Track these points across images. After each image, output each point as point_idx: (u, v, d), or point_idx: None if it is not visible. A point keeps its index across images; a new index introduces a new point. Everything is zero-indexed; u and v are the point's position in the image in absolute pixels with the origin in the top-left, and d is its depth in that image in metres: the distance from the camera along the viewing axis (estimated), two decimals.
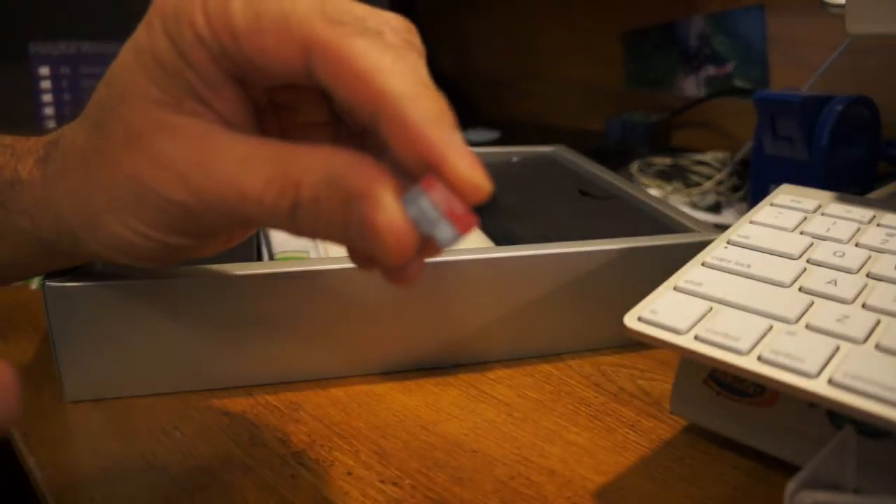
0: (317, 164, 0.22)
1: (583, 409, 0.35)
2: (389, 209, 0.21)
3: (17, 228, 0.29)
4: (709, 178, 0.67)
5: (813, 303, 0.29)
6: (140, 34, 0.25)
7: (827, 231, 0.33)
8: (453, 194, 0.21)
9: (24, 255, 0.30)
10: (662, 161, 0.71)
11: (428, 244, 0.22)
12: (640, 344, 0.29)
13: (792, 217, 0.35)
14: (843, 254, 0.31)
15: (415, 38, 0.25)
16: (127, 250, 0.27)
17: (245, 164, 0.23)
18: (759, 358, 0.26)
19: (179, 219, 0.25)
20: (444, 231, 0.21)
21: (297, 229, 0.24)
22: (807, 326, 0.27)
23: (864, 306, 0.28)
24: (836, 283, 0.30)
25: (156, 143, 0.24)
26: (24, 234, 0.29)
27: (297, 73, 0.23)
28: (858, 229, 0.33)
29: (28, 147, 0.29)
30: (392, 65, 0.22)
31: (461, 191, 0.21)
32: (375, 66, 0.22)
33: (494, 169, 0.54)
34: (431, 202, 0.21)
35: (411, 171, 0.22)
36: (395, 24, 0.24)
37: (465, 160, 0.21)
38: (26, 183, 0.28)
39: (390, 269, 0.24)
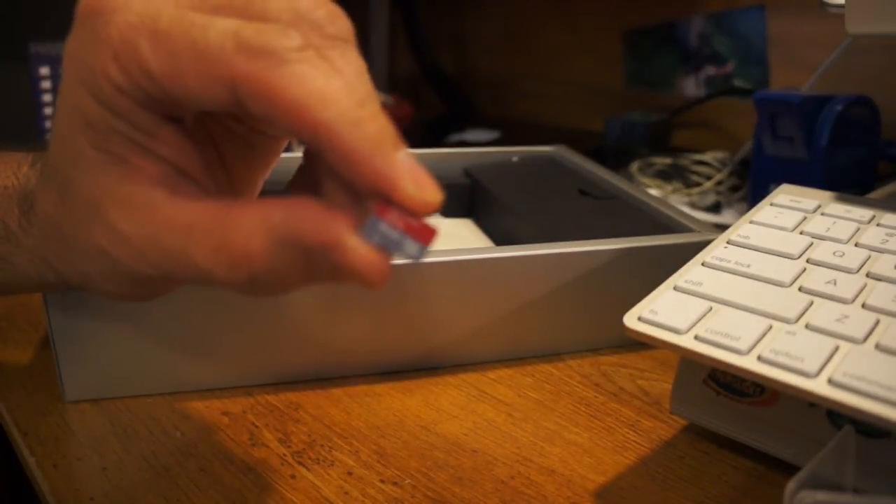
0: (262, 226, 0.21)
1: (583, 409, 0.35)
2: (358, 249, 0.21)
3: (25, 277, 0.29)
4: (709, 178, 0.67)
5: (812, 303, 0.29)
6: (65, 95, 0.24)
7: (827, 231, 0.33)
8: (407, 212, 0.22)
9: (36, 289, 0.30)
10: (662, 161, 0.71)
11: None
12: (640, 344, 0.29)
13: (792, 217, 0.35)
14: (843, 254, 0.31)
15: (341, 26, 0.23)
16: (124, 298, 0.27)
17: (189, 234, 0.22)
18: (759, 358, 0.26)
19: (157, 281, 0.25)
20: (410, 247, 0.22)
21: (261, 293, 0.23)
22: (806, 326, 0.28)
23: (863, 306, 0.28)
24: (835, 283, 0.30)
25: (110, 218, 0.23)
26: (31, 279, 0.29)
27: (229, 104, 0.22)
28: (858, 229, 0.33)
29: (7, 196, 0.28)
30: (324, 88, 0.21)
31: (414, 210, 0.21)
32: (307, 98, 0.21)
33: (494, 169, 0.54)
34: (390, 225, 0.22)
35: (360, 193, 0.22)
36: (316, 19, 0.22)
37: (412, 180, 0.21)
38: (19, 234, 0.28)
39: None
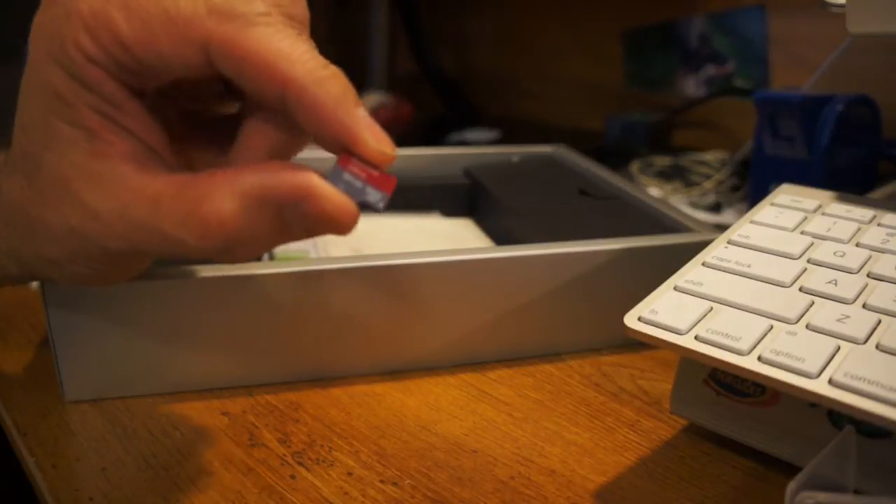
0: (233, 190, 0.23)
1: (583, 409, 0.35)
2: (332, 196, 0.23)
3: None
4: (709, 177, 0.67)
5: (813, 303, 0.29)
6: (31, 74, 0.24)
7: (827, 231, 0.33)
8: (368, 163, 0.24)
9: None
10: (662, 161, 0.71)
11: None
12: (640, 344, 0.29)
13: (792, 217, 0.35)
14: (844, 254, 0.31)
15: (300, 9, 0.25)
16: (92, 280, 0.27)
17: (156, 205, 0.23)
18: (760, 358, 0.26)
19: (127, 256, 0.25)
20: (372, 195, 0.24)
21: (233, 259, 0.24)
22: (807, 326, 0.27)
23: (864, 306, 0.28)
24: (836, 283, 0.30)
25: (80, 194, 0.24)
26: None
27: (199, 67, 0.23)
28: (859, 229, 0.33)
29: None
30: (291, 50, 0.23)
31: (374, 161, 0.24)
32: (276, 56, 0.23)
33: (494, 169, 0.54)
34: (353, 175, 0.24)
35: (324, 146, 0.24)
36: None
37: (373, 134, 0.24)
38: None
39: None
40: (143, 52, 0.23)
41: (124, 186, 0.24)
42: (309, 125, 0.24)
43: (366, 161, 0.24)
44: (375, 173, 0.24)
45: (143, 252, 0.25)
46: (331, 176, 0.24)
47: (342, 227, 0.23)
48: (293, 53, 0.23)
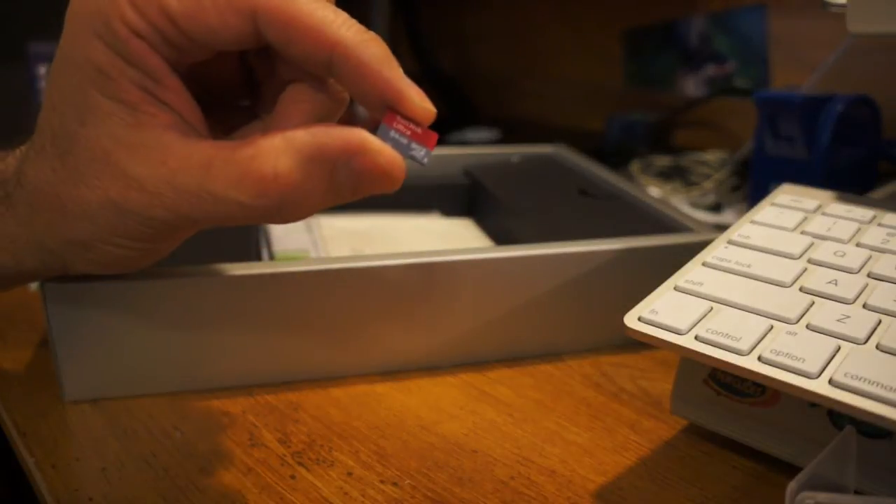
0: (288, 148, 0.23)
1: (583, 409, 0.35)
2: (383, 150, 0.24)
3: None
4: (709, 177, 0.67)
5: (813, 303, 0.29)
6: (69, 51, 0.25)
7: (827, 231, 0.33)
8: (411, 121, 0.25)
9: (8, 282, 0.30)
10: (662, 161, 0.71)
11: None
12: (640, 344, 0.29)
13: (792, 217, 0.35)
14: (844, 254, 0.31)
15: None
16: (118, 263, 0.27)
17: (207, 169, 0.24)
18: (760, 358, 0.26)
19: (166, 227, 0.26)
20: (417, 151, 0.25)
21: (286, 217, 0.25)
22: (807, 326, 0.27)
23: (864, 306, 0.28)
24: (836, 283, 0.29)
25: (122, 165, 0.24)
26: (4, 270, 0.29)
27: (246, 37, 0.24)
28: (859, 229, 0.33)
29: None
30: (335, 16, 0.24)
31: (418, 117, 0.25)
32: (323, 20, 0.24)
33: (494, 169, 0.54)
34: (399, 132, 0.25)
35: (368, 106, 0.25)
36: None
37: (416, 92, 0.25)
38: None
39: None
40: (190, 24, 0.24)
41: (171, 154, 0.24)
42: (355, 86, 0.25)
43: (409, 118, 0.25)
44: (419, 130, 0.25)
45: (188, 220, 0.25)
46: (378, 134, 0.25)
47: (393, 180, 0.24)
48: (337, 19, 0.24)
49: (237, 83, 0.29)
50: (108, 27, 0.23)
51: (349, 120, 0.25)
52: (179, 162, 0.24)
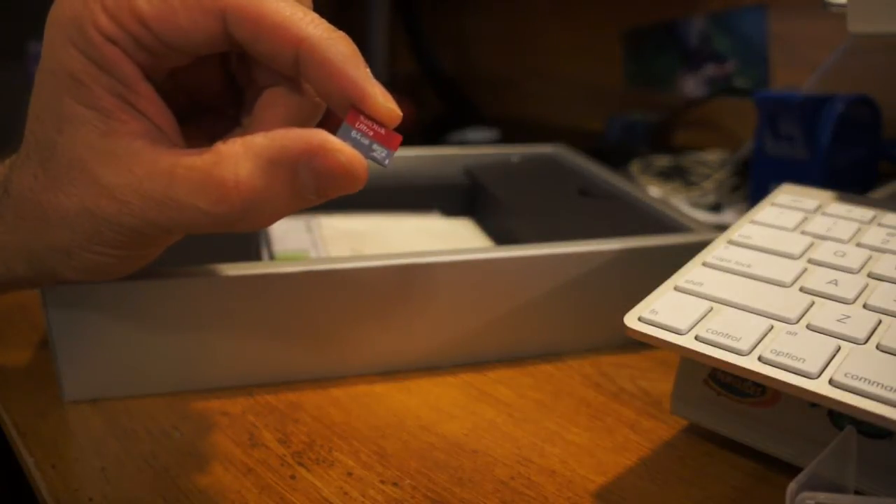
0: (247, 153, 0.23)
1: (583, 409, 0.35)
2: (344, 149, 0.24)
3: None
4: (709, 177, 0.67)
5: (814, 303, 0.29)
6: (47, 59, 0.25)
7: (828, 231, 0.33)
8: (374, 122, 0.25)
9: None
10: (662, 161, 0.71)
11: None
12: (640, 344, 0.29)
13: (792, 217, 0.35)
14: (844, 254, 0.31)
15: None
16: (101, 270, 0.28)
17: (171, 176, 0.24)
18: (760, 358, 0.26)
19: (137, 235, 0.26)
20: (378, 152, 0.25)
21: (251, 224, 0.25)
22: (808, 326, 0.27)
23: (864, 306, 0.28)
24: (836, 283, 0.29)
25: (95, 173, 0.25)
26: None
27: (216, 38, 0.24)
28: (859, 229, 0.33)
29: None
30: (303, 14, 0.24)
31: (382, 118, 0.25)
32: (290, 18, 0.24)
33: (494, 169, 0.54)
34: (361, 132, 0.25)
35: (334, 105, 0.25)
36: None
37: (381, 92, 0.24)
38: None
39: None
40: (162, 27, 0.24)
41: (138, 161, 0.24)
42: (320, 84, 0.25)
43: (373, 118, 0.25)
44: (382, 131, 0.25)
45: (157, 227, 0.25)
46: (339, 133, 0.25)
47: (354, 179, 0.24)
48: (305, 17, 0.24)
49: (221, 91, 0.30)
50: (82, 33, 0.24)
51: (336, 127, 0.25)
52: (145, 169, 0.24)
